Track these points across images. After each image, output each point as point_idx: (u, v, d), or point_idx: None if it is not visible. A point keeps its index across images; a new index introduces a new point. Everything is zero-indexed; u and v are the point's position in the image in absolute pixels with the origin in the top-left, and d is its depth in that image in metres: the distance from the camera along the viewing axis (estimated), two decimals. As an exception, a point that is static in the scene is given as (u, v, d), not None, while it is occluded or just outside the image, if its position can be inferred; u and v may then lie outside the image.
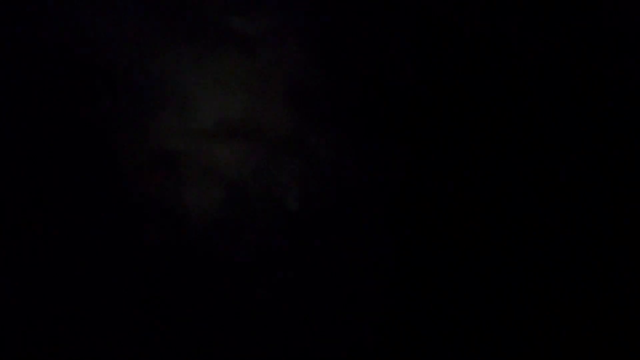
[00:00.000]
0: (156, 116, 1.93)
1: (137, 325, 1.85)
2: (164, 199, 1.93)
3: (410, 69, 2.06)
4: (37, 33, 1.90)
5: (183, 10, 1.93)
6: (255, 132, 1.98)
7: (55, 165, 1.91)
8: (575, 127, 1.81)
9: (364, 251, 1.99)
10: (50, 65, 1.92)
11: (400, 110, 2.05)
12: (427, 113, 2.04)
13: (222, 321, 1.89)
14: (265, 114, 1.99)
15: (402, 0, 2.05)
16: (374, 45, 2.05)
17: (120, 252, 1.89)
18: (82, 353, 1.81)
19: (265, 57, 1.99)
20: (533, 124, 1.87)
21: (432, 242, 1.94)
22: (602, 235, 1.76)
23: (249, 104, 1.98)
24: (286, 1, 2.00)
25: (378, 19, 2.07)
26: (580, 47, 1.84)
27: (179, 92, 1.93)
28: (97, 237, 1.90)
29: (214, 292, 1.91)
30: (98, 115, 1.90)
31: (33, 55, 1.91)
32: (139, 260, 1.89)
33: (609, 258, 1.75)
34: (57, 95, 1.92)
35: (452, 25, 1.98)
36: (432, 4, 2.00)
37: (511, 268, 1.81)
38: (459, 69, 1.96)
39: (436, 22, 1.96)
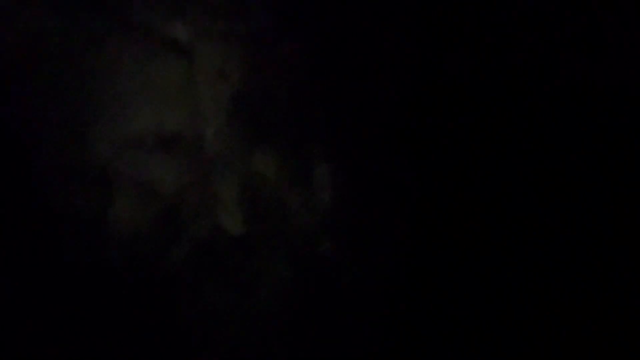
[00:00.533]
0: (85, 124, 1.79)
1: (59, 339, 1.75)
2: (91, 213, 1.79)
3: (370, 83, 1.93)
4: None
5: (119, 11, 1.79)
6: (194, 145, 1.84)
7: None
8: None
9: (306, 278, 1.89)
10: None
11: (356, 128, 1.93)
12: (383, 130, 1.93)
13: (148, 340, 1.80)
14: (205, 127, 1.85)
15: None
16: (332, 54, 1.92)
17: (43, 268, 1.77)
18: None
19: (208, 64, 1.85)
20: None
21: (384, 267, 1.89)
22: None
23: (188, 115, 1.85)
24: (230, 4, 1.86)
25: (340, 21, 1.94)
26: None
27: (111, 100, 1.79)
28: (20, 253, 1.77)
29: (140, 309, 1.80)
30: (18, 120, 1.76)
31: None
32: (61, 277, 1.77)
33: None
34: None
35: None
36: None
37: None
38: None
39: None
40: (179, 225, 1.82)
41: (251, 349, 1.85)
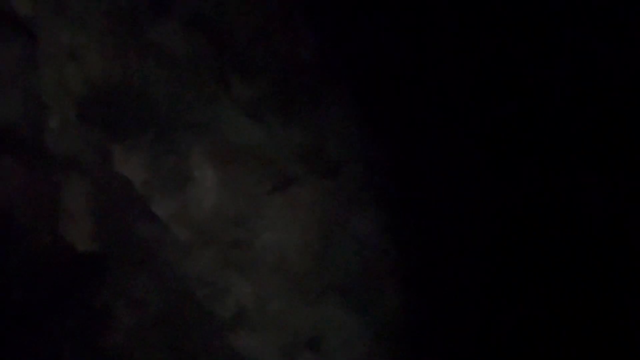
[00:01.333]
0: None
1: None
2: None
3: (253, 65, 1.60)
4: None
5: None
6: (33, 143, 1.54)
7: None
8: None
9: (176, 301, 1.55)
10: None
11: (225, 122, 1.59)
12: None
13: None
14: (48, 118, 1.54)
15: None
16: (217, 36, 1.59)
17: None
18: None
19: (55, 44, 1.54)
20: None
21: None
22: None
23: (28, 106, 1.54)
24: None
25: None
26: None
27: None
28: None
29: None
30: None
31: None
32: None
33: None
34: None
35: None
36: None
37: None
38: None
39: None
40: (8, 237, 1.51)
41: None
